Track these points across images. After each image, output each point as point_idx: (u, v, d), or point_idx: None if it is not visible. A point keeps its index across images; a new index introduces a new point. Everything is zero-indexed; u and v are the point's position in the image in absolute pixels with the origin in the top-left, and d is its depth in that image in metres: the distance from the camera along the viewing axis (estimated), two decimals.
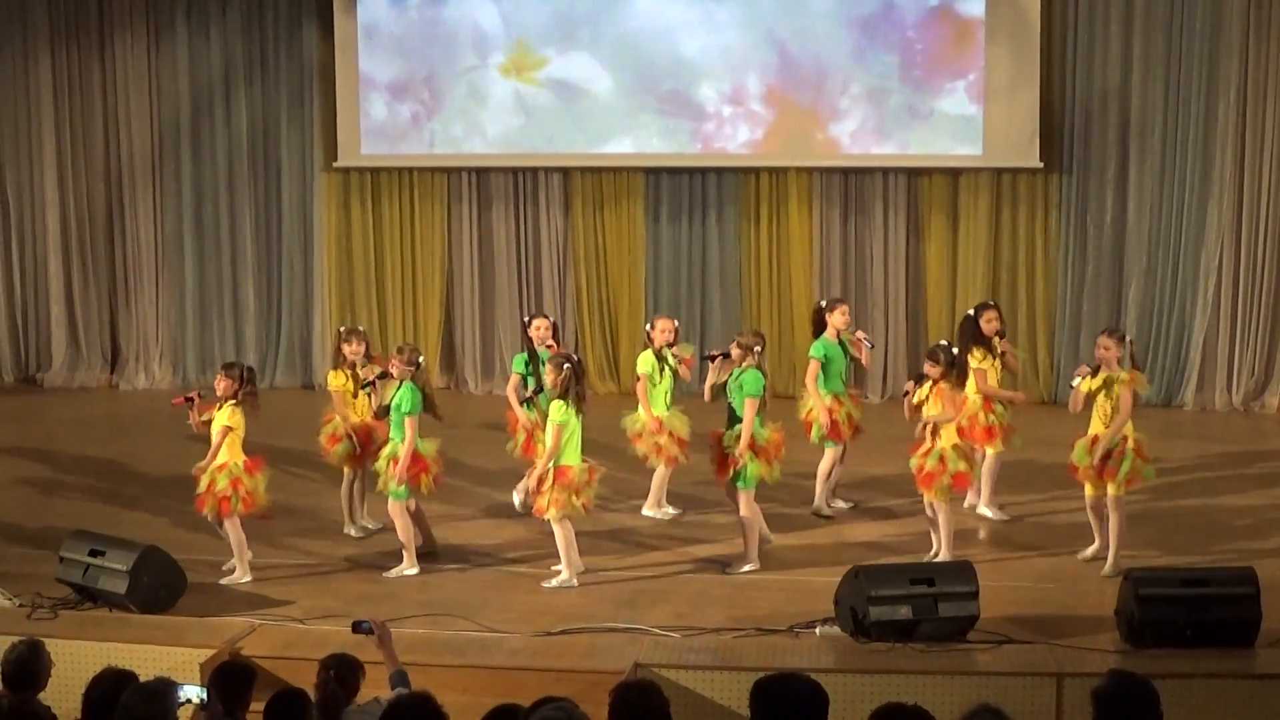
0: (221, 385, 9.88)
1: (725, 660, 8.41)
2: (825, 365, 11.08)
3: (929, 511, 10.05)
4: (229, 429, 9.75)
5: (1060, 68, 14.77)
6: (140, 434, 14.10)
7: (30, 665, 6.58)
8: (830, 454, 11.21)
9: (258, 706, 6.34)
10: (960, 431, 10.14)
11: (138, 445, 13.64)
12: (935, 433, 9.86)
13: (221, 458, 9.77)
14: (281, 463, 11.60)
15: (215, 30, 16.12)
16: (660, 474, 11.19)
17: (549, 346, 10.95)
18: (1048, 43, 14.70)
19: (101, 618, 9.11)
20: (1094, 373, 9.76)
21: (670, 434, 11.00)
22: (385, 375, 10.42)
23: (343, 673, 6.78)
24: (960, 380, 10.11)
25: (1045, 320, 15.12)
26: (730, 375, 10.10)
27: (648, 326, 11.43)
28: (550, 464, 9.57)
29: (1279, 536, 10.61)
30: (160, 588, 9.32)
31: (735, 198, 15.54)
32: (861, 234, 15.39)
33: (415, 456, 9.96)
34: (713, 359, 10.39)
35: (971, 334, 10.88)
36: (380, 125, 15.91)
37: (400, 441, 9.97)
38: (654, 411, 11.00)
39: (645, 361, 11.13)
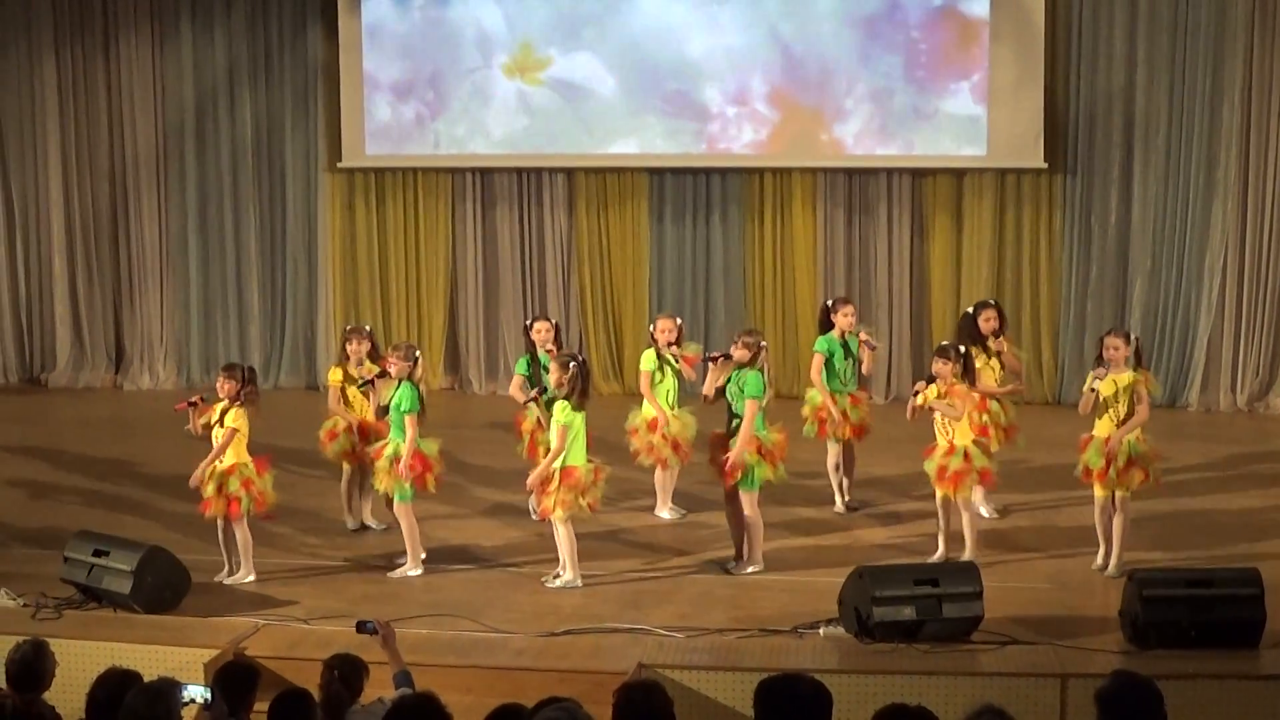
0: (225, 386, 9.89)
1: (729, 661, 8.41)
2: (827, 361, 11.08)
3: (941, 512, 9.98)
4: (235, 431, 9.76)
5: (1065, 68, 14.74)
6: (145, 434, 14.08)
7: (35, 665, 6.58)
8: (833, 450, 11.24)
9: (262, 707, 6.35)
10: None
11: (142, 445, 13.63)
12: (948, 432, 9.83)
13: (229, 459, 9.78)
14: (286, 463, 11.62)
15: (220, 31, 16.13)
16: (660, 475, 11.19)
17: (550, 350, 10.92)
18: (1052, 43, 14.69)
19: (106, 618, 9.11)
20: (1106, 371, 9.70)
21: (664, 435, 10.97)
22: (384, 374, 10.41)
23: (347, 673, 6.76)
24: (969, 379, 10.07)
25: (1049, 321, 15.10)
26: (730, 376, 10.05)
27: (650, 326, 11.43)
28: (556, 464, 9.57)
29: None
30: (164, 588, 9.32)
31: (739, 198, 15.52)
32: (866, 234, 15.37)
33: (418, 456, 9.94)
34: (714, 360, 10.25)
35: (969, 332, 10.87)
36: (384, 126, 15.91)
37: (401, 441, 9.96)
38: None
39: (648, 359, 11.12)
